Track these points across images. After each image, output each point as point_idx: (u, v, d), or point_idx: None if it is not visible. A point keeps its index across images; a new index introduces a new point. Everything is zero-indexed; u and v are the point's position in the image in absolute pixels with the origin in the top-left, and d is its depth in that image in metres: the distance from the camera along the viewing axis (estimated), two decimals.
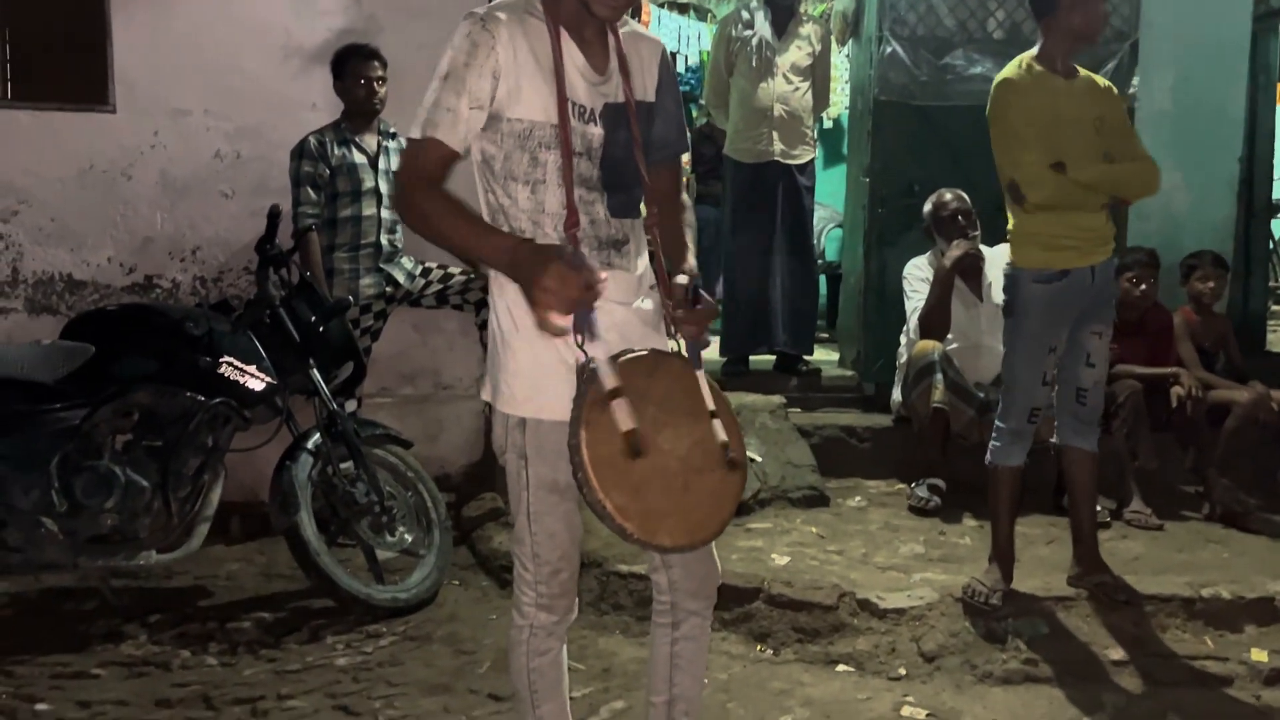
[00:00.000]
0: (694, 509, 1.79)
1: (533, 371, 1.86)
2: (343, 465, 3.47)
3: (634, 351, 1.81)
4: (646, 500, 1.72)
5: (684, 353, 1.89)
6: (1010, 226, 3.25)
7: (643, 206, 1.99)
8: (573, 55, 1.84)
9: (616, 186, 1.90)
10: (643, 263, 1.98)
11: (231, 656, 3.15)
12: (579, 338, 1.70)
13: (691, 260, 1.95)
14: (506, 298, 1.86)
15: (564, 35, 1.83)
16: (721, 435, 1.82)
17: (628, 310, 1.92)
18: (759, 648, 3.22)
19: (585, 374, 1.74)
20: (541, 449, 1.88)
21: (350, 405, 3.96)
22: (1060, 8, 3.14)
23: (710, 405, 1.84)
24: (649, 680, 2.13)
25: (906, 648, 3.13)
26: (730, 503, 1.85)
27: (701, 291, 1.88)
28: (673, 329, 1.91)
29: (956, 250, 4.26)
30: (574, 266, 1.62)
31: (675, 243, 1.98)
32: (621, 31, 1.93)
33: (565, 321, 1.66)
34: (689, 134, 2.08)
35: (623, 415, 1.70)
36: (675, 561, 2.00)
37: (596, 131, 1.86)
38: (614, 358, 1.75)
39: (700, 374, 1.86)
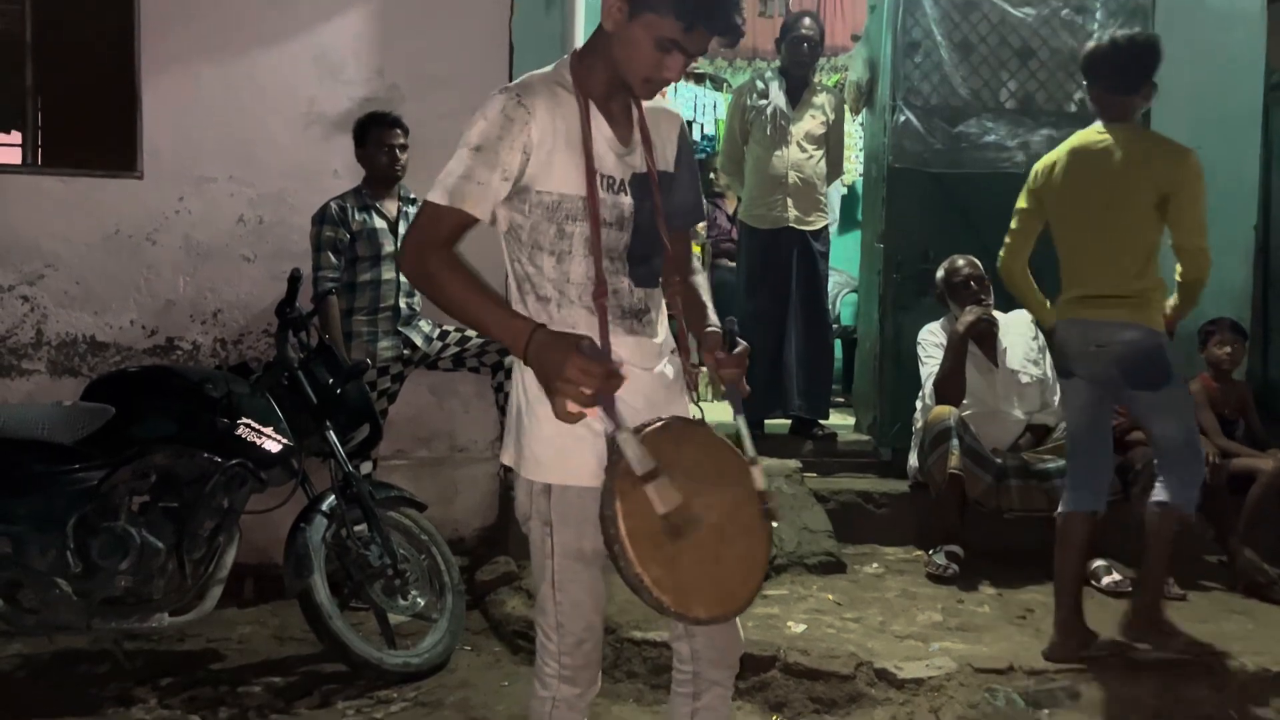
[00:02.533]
0: (726, 578, 1.78)
1: (558, 437, 1.85)
2: (357, 528, 3.47)
3: (660, 420, 1.82)
4: (680, 572, 1.71)
5: (705, 419, 1.93)
6: (1145, 291, 3.23)
7: (661, 276, 2.02)
8: (600, 128, 1.87)
9: (641, 256, 1.93)
10: (664, 329, 2.01)
11: None
12: (607, 425, 1.71)
13: (714, 316, 2.02)
14: None
15: (593, 109, 1.87)
16: (761, 482, 1.84)
17: (651, 376, 1.94)
18: (775, 717, 3.17)
19: (617, 441, 1.73)
20: (567, 516, 1.87)
21: (366, 467, 3.98)
22: (1146, 88, 3.23)
23: (750, 453, 1.87)
24: None
25: (925, 718, 3.08)
26: (759, 571, 1.85)
27: (737, 336, 1.92)
28: (696, 396, 1.96)
29: (969, 316, 4.27)
30: (593, 358, 1.65)
31: (694, 301, 2.04)
32: (645, 102, 1.97)
33: (588, 411, 1.68)
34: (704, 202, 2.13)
35: (665, 495, 1.69)
36: (699, 631, 1.97)
37: (627, 201, 1.89)
38: (640, 427, 1.76)
39: (740, 419, 1.90)
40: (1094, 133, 3.29)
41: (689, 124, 6.15)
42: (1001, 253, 3.57)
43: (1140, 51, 3.22)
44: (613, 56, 1.83)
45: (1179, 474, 3.29)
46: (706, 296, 2.05)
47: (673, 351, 2.02)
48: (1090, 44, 3.32)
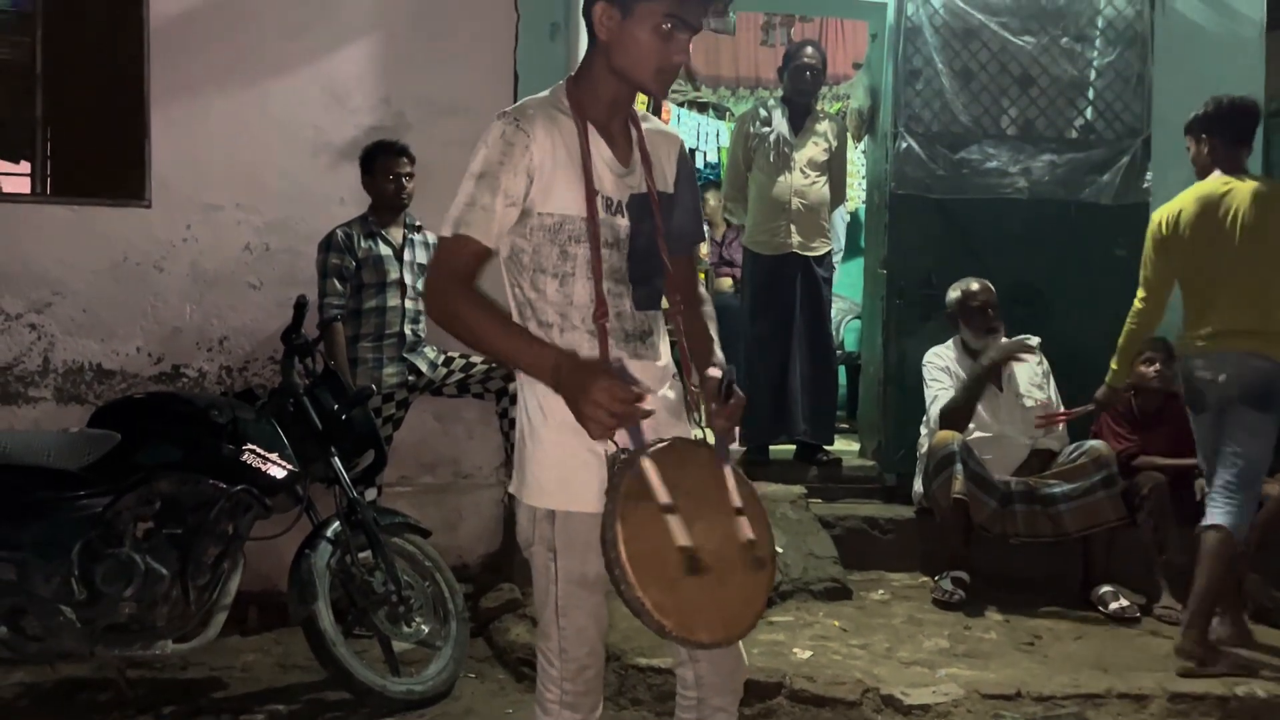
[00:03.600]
0: (728, 603, 1.77)
1: (562, 463, 1.86)
2: (361, 554, 3.46)
3: (663, 442, 1.81)
4: (682, 596, 1.70)
5: (711, 443, 1.89)
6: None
7: (664, 298, 2.02)
8: (600, 149, 1.88)
9: (642, 278, 1.93)
10: (665, 352, 2.00)
11: None
12: (633, 444, 1.73)
13: (719, 353, 1.98)
14: (536, 391, 1.86)
15: (591, 130, 1.88)
16: (747, 534, 1.80)
17: (654, 399, 1.92)
18: None
19: (616, 465, 1.74)
20: (571, 542, 1.86)
21: (370, 494, 3.97)
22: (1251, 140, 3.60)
23: (736, 502, 1.82)
24: None
25: None
26: (762, 596, 1.83)
27: (735, 387, 1.88)
28: (698, 418, 1.93)
29: (996, 352, 4.27)
30: (621, 381, 1.67)
31: (700, 335, 2.02)
32: (645, 124, 1.99)
33: (613, 434, 1.69)
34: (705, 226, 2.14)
35: (678, 530, 1.70)
36: (703, 656, 1.96)
37: (623, 223, 1.90)
38: (645, 447, 1.76)
39: (728, 468, 1.85)
40: (1218, 183, 3.58)
41: (691, 152, 6.19)
42: (1140, 306, 3.74)
43: (1250, 108, 3.69)
44: (616, 67, 1.84)
45: (1244, 497, 3.47)
46: (713, 330, 2.04)
47: (675, 375, 2.01)
48: (1201, 109, 3.68)
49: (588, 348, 1.86)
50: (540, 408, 1.87)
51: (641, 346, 1.93)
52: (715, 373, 1.91)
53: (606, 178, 1.88)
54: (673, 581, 1.69)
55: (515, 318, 1.91)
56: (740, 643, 1.97)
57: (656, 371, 1.96)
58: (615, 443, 1.74)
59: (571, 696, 1.91)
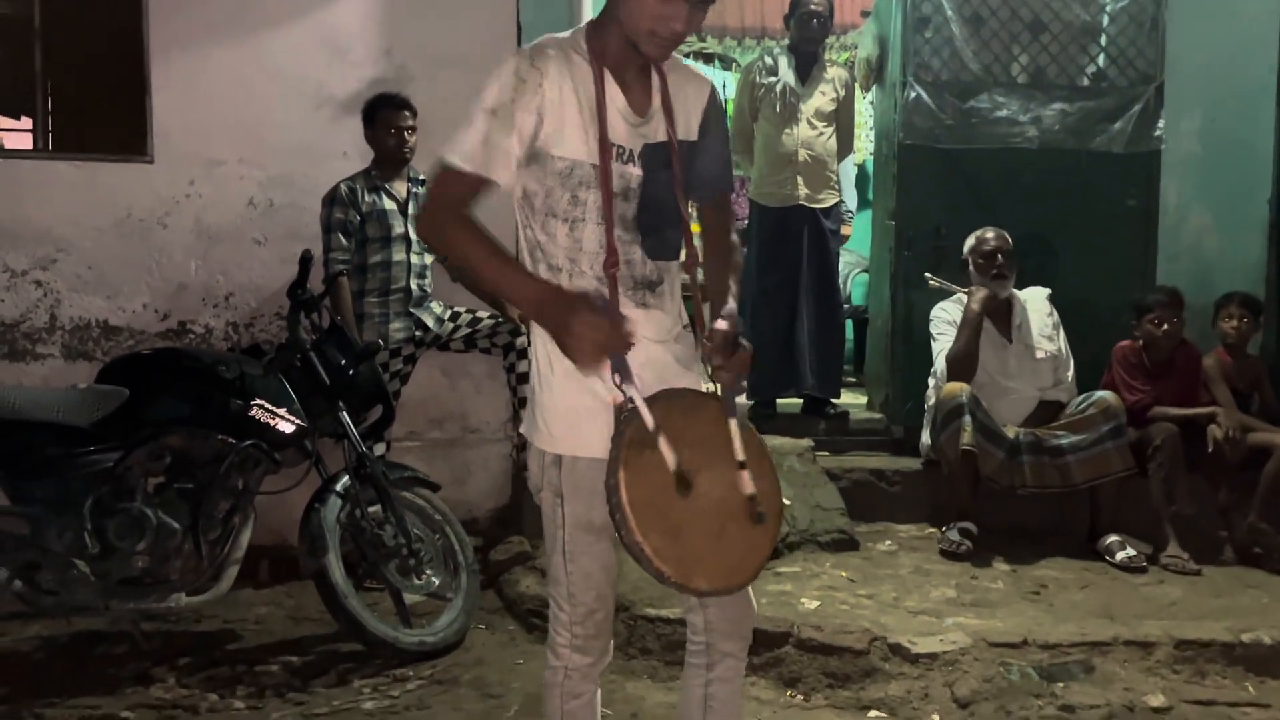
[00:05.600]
0: (730, 552, 1.78)
1: (570, 410, 1.87)
2: (371, 508, 3.48)
3: (670, 392, 1.82)
4: (683, 543, 1.71)
5: (719, 396, 1.89)
6: None
7: (682, 249, 2.00)
8: (614, 96, 1.86)
9: (653, 228, 1.92)
10: (676, 303, 2.00)
11: (259, 700, 3.14)
12: (615, 378, 1.72)
13: (732, 304, 1.94)
14: (545, 337, 1.86)
15: (607, 76, 1.86)
16: (749, 488, 1.80)
17: (663, 349, 1.93)
18: (789, 693, 3.18)
19: (623, 414, 1.75)
20: (578, 487, 1.88)
21: (379, 448, 3.99)
22: None
23: (740, 456, 1.82)
24: None
25: (940, 693, 3.08)
26: (766, 546, 1.84)
27: (741, 340, 1.87)
28: (709, 371, 1.92)
29: (980, 293, 4.27)
30: (602, 313, 1.65)
31: (719, 285, 1.99)
32: (672, 71, 1.95)
33: (603, 365, 1.69)
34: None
35: (667, 452, 1.71)
36: (712, 602, 1.99)
37: (635, 172, 1.88)
38: (651, 398, 1.76)
39: (733, 422, 1.85)
40: None
41: None
42: None
43: None
44: (619, 18, 1.82)
45: None
46: (734, 279, 1.99)
47: (685, 326, 2.00)
48: None
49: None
50: (549, 355, 1.87)
51: (650, 295, 1.92)
52: (722, 324, 1.88)
53: (619, 125, 1.86)
54: (674, 529, 1.71)
55: (526, 260, 1.91)
56: (750, 589, 1.99)
57: (664, 322, 1.95)
58: (612, 384, 1.74)
59: (581, 640, 1.94)
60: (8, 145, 4.70)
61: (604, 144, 1.83)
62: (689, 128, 1.96)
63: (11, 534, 3.09)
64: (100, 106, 4.54)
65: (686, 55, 8.11)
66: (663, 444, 1.71)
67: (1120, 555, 4.05)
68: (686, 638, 2.08)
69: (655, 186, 1.90)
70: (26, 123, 4.54)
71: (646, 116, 1.90)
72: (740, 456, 1.82)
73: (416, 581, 3.52)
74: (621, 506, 1.67)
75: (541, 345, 1.89)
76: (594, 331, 1.65)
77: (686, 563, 1.71)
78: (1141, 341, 4.35)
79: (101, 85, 4.53)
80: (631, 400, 1.73)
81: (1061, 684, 3.09)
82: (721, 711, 2.05)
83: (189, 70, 4.33)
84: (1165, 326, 4.27)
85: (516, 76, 1.79)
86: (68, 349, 4.32)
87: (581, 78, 1.83)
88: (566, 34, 1.90)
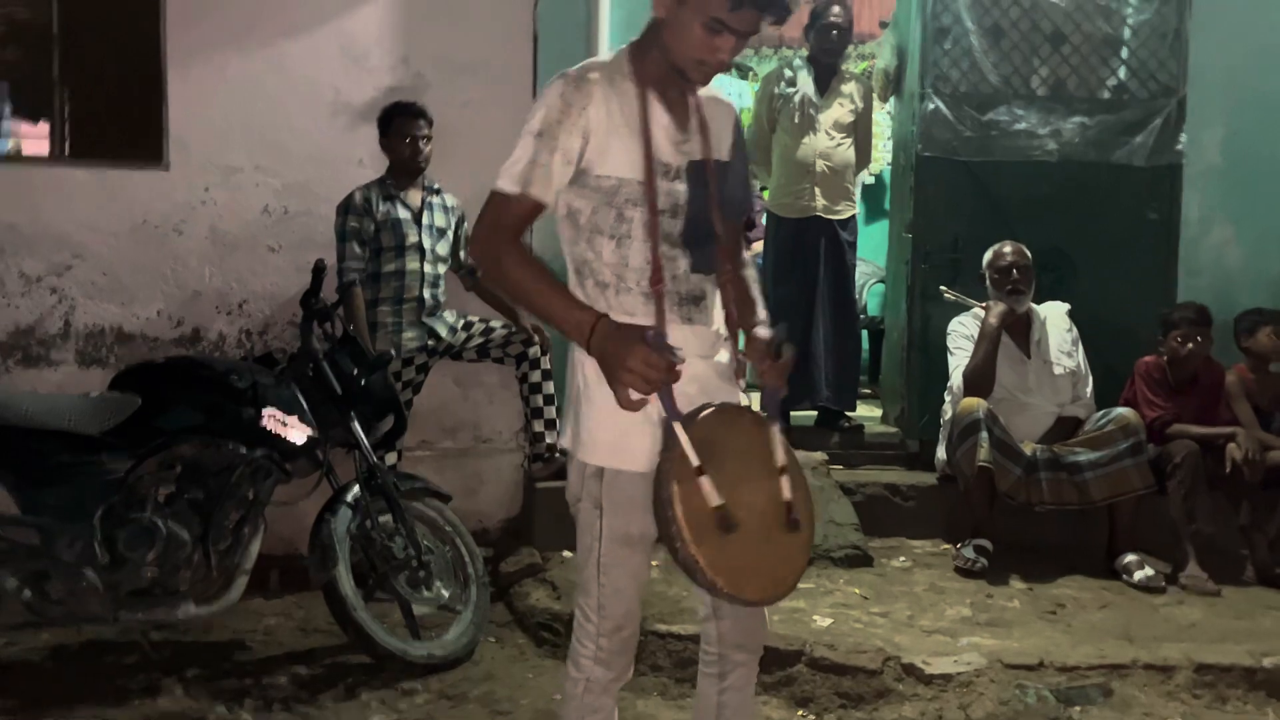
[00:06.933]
0: (775, 562, 1.84)
1: (615, 423, 1.87)
2: (381, 519, 3.46)
3: (712, 405, 1.86)
4: (732, 555, 1.76)
5: (759, 406, 1.97)
6: None
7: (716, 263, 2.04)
8: (658, 115, 1.91)
9: (696, 243, 1.96)
10: (719, 317, 2.04)
11: (266, 712, 3.13)
12: (664, 414, 1.77)
13: (764, 313, 2.04)
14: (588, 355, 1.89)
15: (651, 96, 1.90)
16: (788, 494, 1.86)
17: (707, 364, 1.97)
18: (800, 713, 3.14)
19: (672, 430, 1.79)
20: (618, 500, 1.90)
21: (390, 458, 3.97)
22: None
23: (781, 461, 1.88)
24: None
25: (954, 715, 3.04)
26: (804, 555, 1.90)
27: (785, 344, 1.95)
28: (743, 381, 2.00)
29: (998, 308, 4.23)
30: (656, 348, 1.69)
31: (745, 297, 2.06)
32: (700, 95, 2.00)
33: (647, 400, 1.74)
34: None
35: (710, 492, 1.75)
36: (727, 613, 2.02)
37: (681, 189, 1.92)
38: (694, 411, 1.81)
39: (774, 428, 1.91)
40: None
41: None
42: None
43: None
44: (665, 43, 1.87)
45: None
46: (756, 292, 2.08)
47: (725, 339, 2.04)
48: None
49: (643, 310, 1.89)
50: (594, 367, 1.87)
51: (695, 310, 1.96)
52: (764, 332, 1.97)
53: (664, 144, 1.91)
54: (722, 541, 1.75)
55: (572, 277, 1.95)
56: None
57: (709, 336, 1.99)
58: (655, 410, 1.79)
59: (606, 654, 1.95)
60: (25, 151, 4.69)
61: (649, 162, 1.87)
62: (722, 147, 2.02)
63: (21, 543, 3.07)
64: (117, 113, 4.54)
65: None
66: (705, 484, 1.74)
67: (1139, 575, 4.00)
68: (700, 648, 2.11)
69: (697, 203, 1.94)
70: (43, 129, 4.55)
71: (687, 134, 1.95)
72: (781, 462, 1.88)
73: (426, 594, 3.49)
74: (676, 520, 1.71)
75: (584, 359, 1.90)
76: (649, 370, 1.68)
77: (737, 574, 1.76)
78: (1166, 357, 4.30)
79: (119, 92, 4.53)
80: (679, 435, 1.77)
81: (1079, 708, 3.05)
82: (735, 719, 2.08)
83: (206, 77, 4.33)
84: (1190, 345, 4.22)
85: (562, 100, 1.84)
86: (82, 355, 4.32)
87: (626, 98, 1.88)
88: (609, 56, 1.95)
